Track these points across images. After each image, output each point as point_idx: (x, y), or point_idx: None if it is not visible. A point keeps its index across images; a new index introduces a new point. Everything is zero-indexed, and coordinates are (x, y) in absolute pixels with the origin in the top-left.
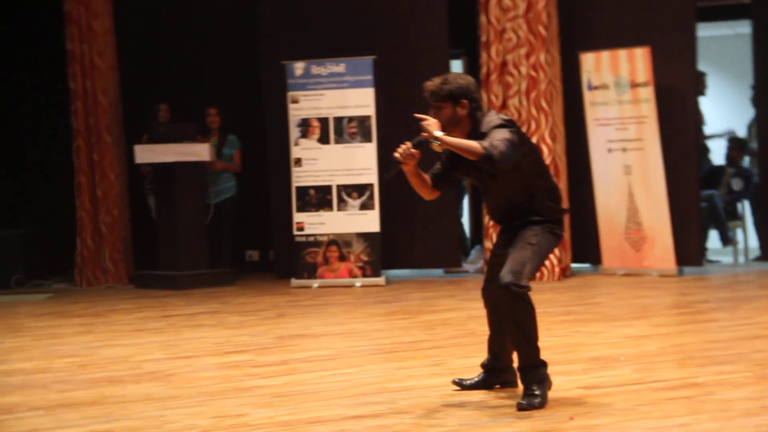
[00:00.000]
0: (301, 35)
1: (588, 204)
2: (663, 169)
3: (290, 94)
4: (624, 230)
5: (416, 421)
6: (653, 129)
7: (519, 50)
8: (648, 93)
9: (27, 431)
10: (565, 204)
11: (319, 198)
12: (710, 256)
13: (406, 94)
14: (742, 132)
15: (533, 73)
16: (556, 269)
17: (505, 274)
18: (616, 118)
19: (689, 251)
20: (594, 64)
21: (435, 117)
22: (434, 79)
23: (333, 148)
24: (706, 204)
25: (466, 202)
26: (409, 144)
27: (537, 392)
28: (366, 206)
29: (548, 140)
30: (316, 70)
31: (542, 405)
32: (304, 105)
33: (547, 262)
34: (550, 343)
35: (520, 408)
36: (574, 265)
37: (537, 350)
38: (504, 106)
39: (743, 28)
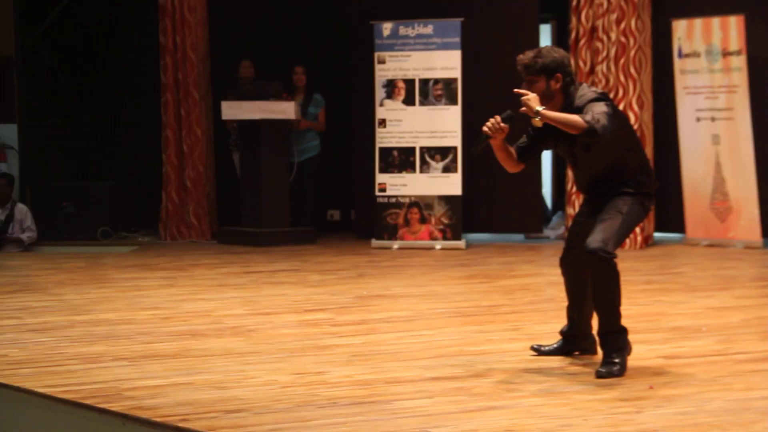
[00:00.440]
0: None
1: (673, 173)
2: (752, 139)
3: (377, 54)
4: (709, 201)
5: (494, 385)
6: (744, 99)
7: (609, 15)
8: (740, 62)
9: (111, 380)
10: (653, 174)
11: (402, 159)
12: None
13: (494, 58)
14: None
15: (623, 39)
16: (639, 238)
17: (593, 240)
18: (706, 87)
19: None
20: (686, 32)
21: (527, 90)
22: (527, 52)
23: (418, 110)
24: None
25: (548, 169)
26: (498, 118)
27: (616, 360)
28: (449, 169)
29: (635, 107)
30: (403, 31)
31: (621, 373)
32: (391, 66)
33: None
34: (631, 311)
35: (599, 375)
36: (656, 235)
37: (618, 317)
38: (592, 72)
39: None
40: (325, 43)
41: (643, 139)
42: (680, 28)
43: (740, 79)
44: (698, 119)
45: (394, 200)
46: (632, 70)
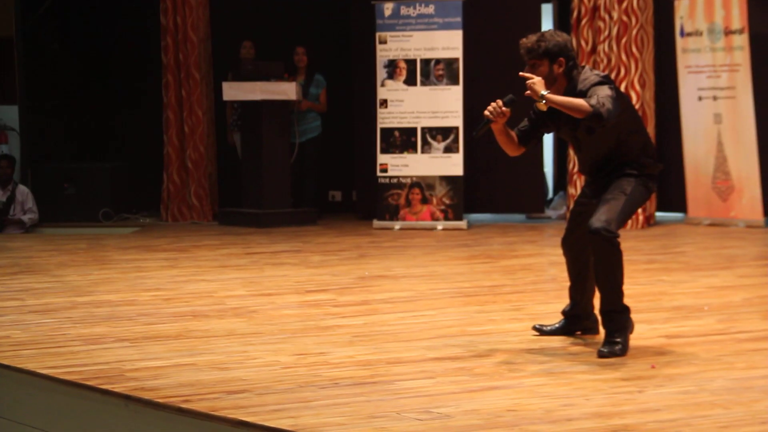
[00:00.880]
0: None
1: (675, 152)
2: (754, 118)
3: (378, 34)
4: (711, 180)
5: (496, 365)
6: (746, 77)
7: None
8: (742, 40)
9: (114, 362)
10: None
11: (403, 140)
12: None
13: (495, 38)
14: None
15: (625, 18)
16: (641, 218)
17: (597, 220)
18: (708, 66)
19: None
20: (688, 10)
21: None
22: (530, 36)
23: (419, 90)
24: None
25: (550, 149)
26: (499, 102)
27: (618, 339)
28: (450, 149)
29: (637, 87)
30: (405, 11)
31: (623, 352)
32: (392, 46)
33: None
34: (633, 291)
35: (601, 355)
36: (658, 214)
37: (621, 295)
38: (594, 52)
39: None
40: (327, 23)
41: (645, 119)
42: (682, 6)
43: (742, 57)
44: (700, 98)
45: (395, 181)
46: (634, 50)
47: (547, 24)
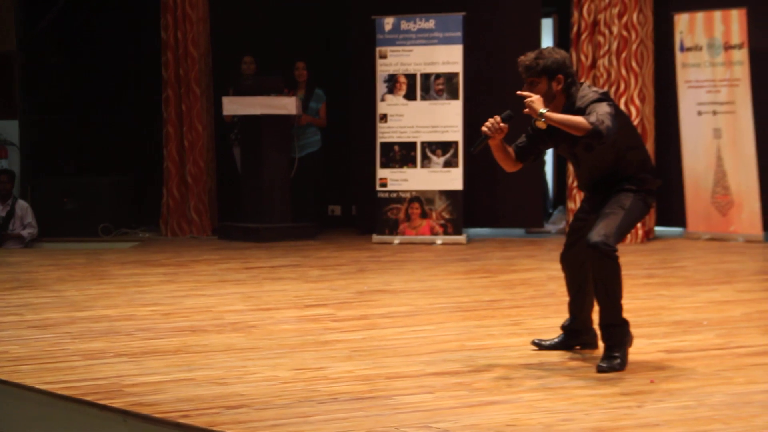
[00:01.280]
0: None
1: (675, 167)
2: (753, 133)
3: (378, 49)
4: (711, 194)
5: (495, 380)
6: (745, 92)
7: (611, 9)
8: (742, 55)
9: (112, 377)
10: (656, 172)
11: (403, 154)
12: None
13: (495, 53)
14: None
15: (625, 33)
16: (640, 232)
17: (595, 234)
18: (708, 81)
19: None
20: (688, 25)
21: (529, 92)
22: (528, 53)
23: (419, 105)
24: None
25: (549, 163)
26: (497, 118)
27: (617, 354)
28: (450, 164)
29: (637, 101)
30: (405, 25)
31: (622, 367)
32: (392, 60)
33: None
34: (632, 305)
35: (600, 370)
36: (658, 229)
37: (620, 309)
38: (594, 66)
39: None
40: (327, 38)
41: (645, 133)
42: (682, 21)
43: (742, 72)
44: (700, 113)
45: (395, 195)
46: (634, 64)
47: (547, 38)
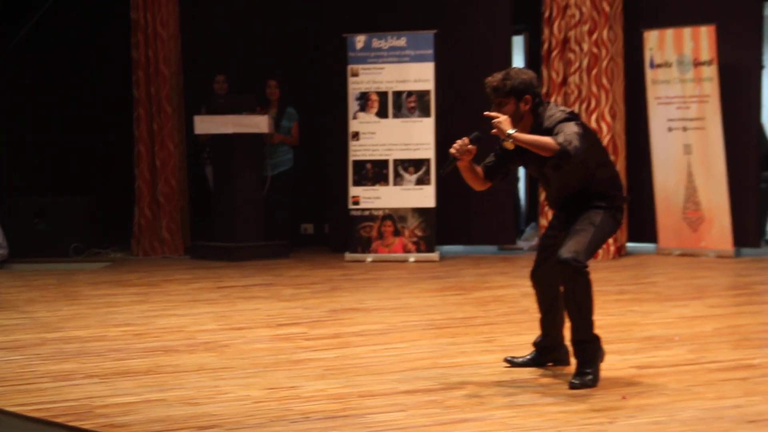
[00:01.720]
0: (362, 8)
1: (646, 183)
2: (723, 149)
3: (350, 67)
4: (682, 210)
5: (467, 397)
6: (715, 108)
7: (582, 26)
8: (711, 72)
9: (83, 398)
10: (624, 187)
11: (375, 172)
12: None
13: (467, 70)
14: None
15: (595, 50)
16: (612, 248)
17: (566, 250)
18: (678, 97)
19: (747, 232)
20: (657, 42)
21: (497, 113)
22: (495, 74)
23: (391, 123)
24: (766, 185)
25: (521, 181)
26: (465, 140)
27: (589, 371)
28: (422, 181)
29: (608, 118)
30: (376, 43)
31: (594, 383)
32: (364, 78)
33: None
34: (603, 321)
35: (572, 387)
36: (629, 245)
37: (591, 325)
38: (564, 83)
39: None
40: (299, 56)
41: (616, 150)
42: (652, 38)
43: (711, 89)
44: (670, 129)
45: (367, 213)
46: (604, 81)
47: (518, 55)
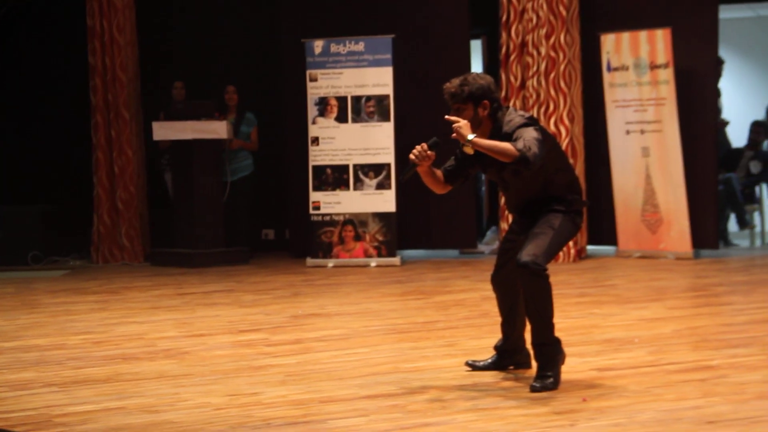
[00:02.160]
0: (320, 13)
1: (605, 186)
2: (681, 151)
3: (309, 72)
4: (640, 212)
5: (429, 401)
6: (672, 111)
7: (539, 30)
8: (667, 74)
9: (41, 407)
10: (584, 190)
11: (335, 177)
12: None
13: (425, 74)
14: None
15: (553, 54)
16: (572, 251)
17: (525, 254)
18: (635, 100)
19: (706, 234)
20: (614, 45)
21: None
22: (453, 80)
23: (350, 127)
24: (723, 187)
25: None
26: (424, 146)
27: (550, 374)
28: (382, 186)
29: (566, 121)
30: (335, 48)
31: (555, 386)
32: (323, 83)
33: None
34: (564, 324)
35: (533, 390)
36: (589, 247)
37: (551, 328)
38: (523, 87)
39: (765, 11)
40: (257, 61)
41: (575, 153)
42: (608, 41)
43: (668, 91)
44: (628, 132)
45: (328, 218)
46: (562, 85)
47: (476, 60)
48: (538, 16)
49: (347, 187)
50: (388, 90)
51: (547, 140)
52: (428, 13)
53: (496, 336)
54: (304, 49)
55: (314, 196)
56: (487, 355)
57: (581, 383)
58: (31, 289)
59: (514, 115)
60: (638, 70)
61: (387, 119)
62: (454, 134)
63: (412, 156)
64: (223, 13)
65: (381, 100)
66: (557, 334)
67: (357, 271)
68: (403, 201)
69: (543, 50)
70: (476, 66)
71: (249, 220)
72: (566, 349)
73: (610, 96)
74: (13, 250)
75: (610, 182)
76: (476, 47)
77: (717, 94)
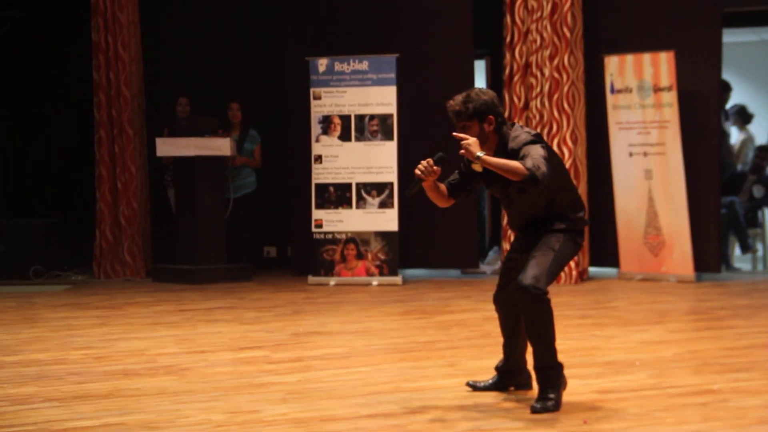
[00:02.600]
0: (324, 31)
1: (607, 208)
2: (684, 174)
3: (312, 90)
4: (643, 235)
5: (429, 421)
6: (675, 134)
7: (543, 51)
8: (671, 97)
9: (42, 422)
10: (586, 211)
11: (338, 195)
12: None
13: (429, 93)
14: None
15: (556, 75)
16: (574, 273)
17: (525, 277)
18: (639, 122)
19: (708, 257)
20: (618, 68)
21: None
22: (456, 97)
23: (354, 146)
24: (726, 210)
25: (485, 204)
26: (430, 161)
27: (551, 395)
28: (385, 205)
29: (569, 143)
30: (339, 66)
31: (556, 408)
32: (326, 102)
33: None
34: (565, 346)
35: (534, 411)
36: (591, 269)
37: (554, 351)
38: (526, 108)
39: None
40: (261, 79)
41: (577, 174)
42: (612, 64)
43: (671, 114)
44: (631, 154)
45: (330, 236)
46: (566, 106)
47: (480, 80)
48: (542, 37)
49: (350, 205)
50: (392, 109)
51: (552, 158)
52: (432, 33)
53: (497, 356)
54: (308, 67)
55: (317, 214)
56: (489, 375)
57: (582, 405)
58: (32, 303)
59: (520, 132)
60: (642, 92)
61: (390, 138)
62: (463, 151)
63: (417, 171)
64: (228, 31)
65: (384, 119)
66: (559, 356)
67: (359, 290)
68: (405, 220)
69: (546, 71)
70: (480, 86)
71: (251, 237)
72: (567, 371)
73: (614, 118)
74: (14, 264)
75: (612, 204)
76: (480, 67)
77: (725, 117)
